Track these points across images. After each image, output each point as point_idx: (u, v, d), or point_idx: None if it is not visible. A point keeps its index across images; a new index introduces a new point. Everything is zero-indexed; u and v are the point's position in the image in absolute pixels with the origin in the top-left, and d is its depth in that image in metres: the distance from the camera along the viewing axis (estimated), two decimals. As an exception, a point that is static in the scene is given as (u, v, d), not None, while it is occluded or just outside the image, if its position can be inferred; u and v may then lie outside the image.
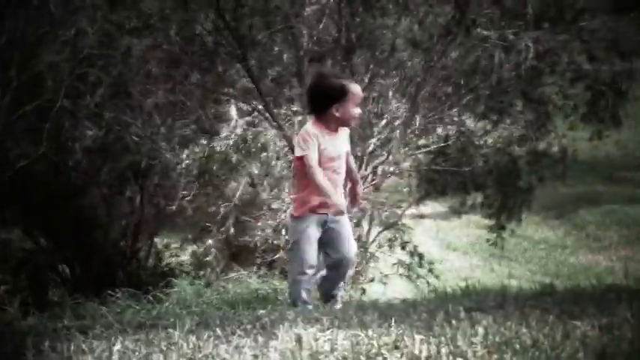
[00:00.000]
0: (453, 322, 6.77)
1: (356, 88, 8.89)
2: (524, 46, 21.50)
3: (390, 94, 22.19)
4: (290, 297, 9.54)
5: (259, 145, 22.96)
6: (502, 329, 6.40)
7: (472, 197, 26.75)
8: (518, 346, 5.93)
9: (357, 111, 8.85)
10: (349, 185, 9.45)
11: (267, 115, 21.07)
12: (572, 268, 26.64)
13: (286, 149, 22.06)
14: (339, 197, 8.26)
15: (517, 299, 8.03)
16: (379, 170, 22.66)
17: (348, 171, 9.33)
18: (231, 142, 22.79)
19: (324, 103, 8.98)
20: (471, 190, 26.62)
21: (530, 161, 24.72)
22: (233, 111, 21.83)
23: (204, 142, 23.23)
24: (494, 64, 21.47)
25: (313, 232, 8.74)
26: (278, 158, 22.66)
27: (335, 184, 8.62)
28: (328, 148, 8.59)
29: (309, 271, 8.98)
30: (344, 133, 9.09)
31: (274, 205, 22.81)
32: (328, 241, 8.96)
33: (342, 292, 9.06)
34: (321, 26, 21.35)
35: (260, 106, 21.19)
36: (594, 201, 34.18)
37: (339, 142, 8.85)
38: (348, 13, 20.46)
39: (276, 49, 21.57)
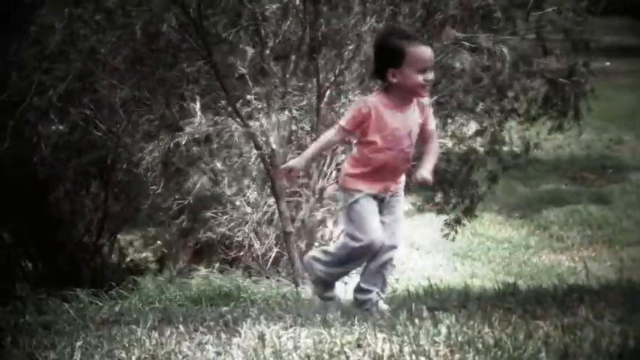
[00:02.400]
0: (416, 320, 6.79)
1: (418, 50, 7.52)
2: (500, 51, 21.78)
3: (354, 90, 22.18)
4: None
5: (222, 141, 22.90)
6: (465, 328, 6.41)
7: (435, 195, 26.79)
8: (480, 345, 5.95)
9: (420, 78, 7.42)
10: (421, 167, 7.76)
11: (232, 111, 21.04)
12: (534, 268, 26.70)
13: (251, 145, 22.06)
14: (298, 158, 7.71)
15: (480, 299, 8.06)
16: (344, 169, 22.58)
17: (429, 150, 8.02)
18: (193, 137, 22.78)
19: (379, 66, 7.86)
20: (435, 187, 26.71)
21: (490, 151, 24.80)
22: (197, 107, 21.74)
23: (167, 137, 23.21)
24: (466, 67, 21.67)
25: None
26: (241, 155, 22.65)
27: (398, 164, 7.70)
28: (394, 124, 7.52)
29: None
30: (417, 107, 7.77)
31: (237, 202, 22.84)
32: None
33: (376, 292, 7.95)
34: (287, 24, 21.37)
35: (224, 103, 21.16)
36: (558, 201, 34.24)
37: (410, 118, 7.67)
38: (313, 11, 20.44)
39: (241, 46, 21.54)
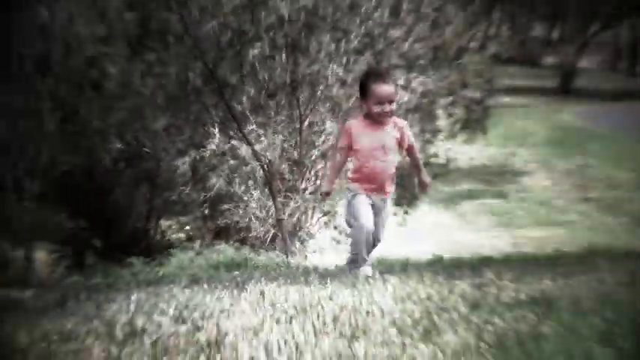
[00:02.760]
0: (371, 281, 6.82)
1: (378, 87, 7.49)
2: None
3: (327, 121, 22.27)
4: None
5: (234, 155, 23.07)
6: (405, 286, 6.44)
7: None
8: (416, 297, 5.98)
9: (377, 108, 7.47)
10: (415, 176, 8.24)
11: (240, 135, 21.17)
12: (456, 244, 26.59)
13: (254, 159, 22.33)
14: (326, 182, 7.83)
15: (416, 266, 8.07)
16: (320, 174, 22.69)
17: (413, 162, 8.12)
18: (213, 152, 23.04)
19: (359, 96, 7.90)
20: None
21: (425, 163, 25.17)
22: (216, 130, 21.94)
23: (194, 153, 23.50)
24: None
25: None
26: (246, 165, 22.75)
27: (379, 171, 7.57)
28: (368, 139, 7.50)
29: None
30: (392, 127, 7.69)
31: (245, 198, 22.94)
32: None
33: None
34: (277, 72, 21.46)
35: (235, 128, 21.33)
36: (471, 197, 34.15)
37: (384, 135, 7.56)
38: (293, 62, 20.76)
39: (245, 89, 21.72)
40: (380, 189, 7.64)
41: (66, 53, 23.64)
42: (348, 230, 8.07)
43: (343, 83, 21.60)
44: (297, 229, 23.04)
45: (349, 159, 7.73)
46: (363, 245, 7.80)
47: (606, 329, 4.90)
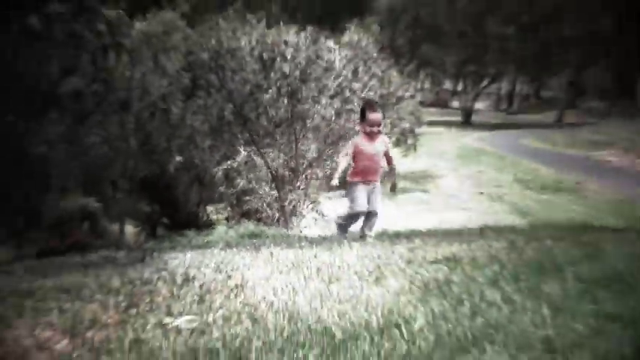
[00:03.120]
0: (342, 245, 6.77)
1: (370, 114, 7.64)
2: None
3: (313, 142, 22.31)
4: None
5: (253, 163, 23.24)
6: (363, 249, 6.41)
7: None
8: (370, 256, 5.96)
9: (369, 129, 7.55)
10: (388, 178, 8.49)
11: (257, 151, 21.39)
12: (395, 223, 26.45)
13: (266, 168, 22.49)
14: (335, 178, 7.84)
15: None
16: (308, 176, 22.70)
17: (389, 167, 8.11)
18: (237, 163, 23.30)
19: (359, 120, 7.97)
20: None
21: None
22: (242, 149, 22.17)
23: (227, 163, 23.74)
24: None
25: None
26: (260, 171, 22.94)
27: (369, 169, 7.64)
28: (365, 149, 7.57)
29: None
30: (381, 141, 7.82)
31: (260, 192, 23.03)
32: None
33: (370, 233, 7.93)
34: (281, 110, 21.57)
35: (254, 148, 21.51)
36: (405, 191, 33.99)
37: (376, 145, 7.65)
38: (291, 104, 20.95)
39: (260, 121, 21.96)
40: (372, 179, 7.69)
41: (141, 97, 23.86)
42: (347, 208, 7.96)
43: (323, 118, 21.73)
44: (294, 212, 23.10)
45: (351, 164, 7.75)
46: (353, 219, 7.96)
47: (494, 277, 4.89)
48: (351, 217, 7.96)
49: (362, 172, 7.73)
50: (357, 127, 8.26)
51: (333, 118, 21.74)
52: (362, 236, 7.88)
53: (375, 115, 7.69)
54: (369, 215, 7.88)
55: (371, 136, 7.68)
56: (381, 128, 7.83)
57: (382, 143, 7.89)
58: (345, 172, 8.01)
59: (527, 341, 3.52)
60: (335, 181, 7.84)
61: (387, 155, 7.91)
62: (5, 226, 22.06)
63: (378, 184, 7.94)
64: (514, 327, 3.74)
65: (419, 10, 71.63)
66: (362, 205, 7.70)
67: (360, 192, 7.72)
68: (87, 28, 23.16)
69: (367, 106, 7.92)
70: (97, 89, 23.02)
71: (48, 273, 5.97)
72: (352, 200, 7.78)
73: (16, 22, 20.16)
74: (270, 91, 21.49)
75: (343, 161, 7.88)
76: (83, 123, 22.81)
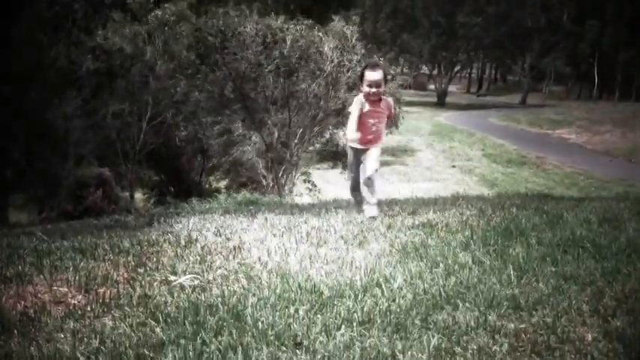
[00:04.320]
0: (330, 212, 6.77)
1: (367, 73, 6.46)
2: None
3: (304, 120, 22.40)
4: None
5: (250, 137, 23.36)
6: (349, 215, 6.40)
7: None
8: (355, 222, 5.95)
9: (366, 89, 6.35)
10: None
11: (253, 126, 21.53)
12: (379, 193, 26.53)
13: (261, 141, 22.62)
14: (352, 133, 6.36)
15: (349, 203, 7.97)
16: (300, 150, 22.76)
17: (390, 118, 6.75)
18: (236, 136, 23.44)
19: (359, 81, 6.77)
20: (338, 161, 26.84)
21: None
22: (239, 124, 22.26)
23: (227, 135, 23.89)
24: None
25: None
26: (256, 144, 23.02)
27: (367, 133, 6.38)
28: (368, 111, 6.32)
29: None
30: (384, 106, 6.57)
31: (256, 164, 23.16)
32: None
33: (365, 201, 6.58)
34: (278, 89, 21.63)
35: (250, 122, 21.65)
36: (387, 164, 34.13)
37: (379, 108, 6.41)
38: (287, 83, 21.14)
39: (259, 100, 22.08)
40: (373, 141, 6.47)
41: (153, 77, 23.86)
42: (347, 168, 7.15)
43: (315, 96, 21.77)
44: (286, 182, 23.15)
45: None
46: (353, 189, 6.77)
47: (465, 241, 4.88)
48: (351, 187, 6.92)
49: (364, 134, 6.53)
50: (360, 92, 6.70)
51: (322, 99, 21.80)
52: (358, 202, 6.90)
53: (373, 74, 6.46)
54: (361, 178, 6.67)
55: (373, 100, 6.46)
56: (381, 90, 6.52)
57: (385, 107, 6.68)
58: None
59: (495, 299, 3.52)
60: (353, 136, 6.48)
61: (389, 117, 6.80)
62: (27, 192, 22.03)
63: (378, 146, 6.72)
64: (483, 286, 3.73)
65: (398, 3, 71.57)
66: (353, 172, 6.74)
67: (354, 158, 6.70)
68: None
69: (367, 65, 6.78)
70: (110, 68, 22.97)
71: (65, 235, 5.94)
72: (349, 166, 6.93)
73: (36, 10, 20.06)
74: (269, 68, 21.59)
75: (352, 120, 6.56)
76: (97, 97, 22.76)
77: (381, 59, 28.68)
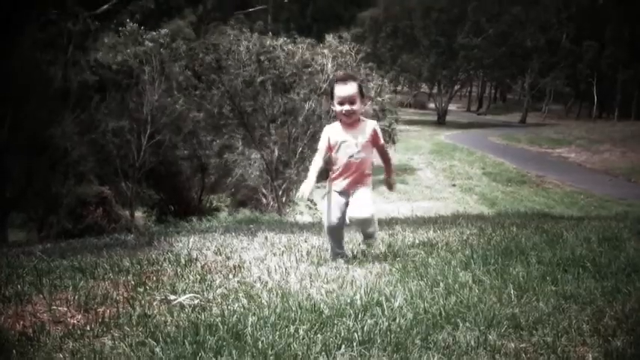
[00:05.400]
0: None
1: (337, 88, 5.19)
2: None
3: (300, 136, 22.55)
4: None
5: (250, 156, 23.49)
6: (348, 234, 6.40)
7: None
8: (355, 241, 5.94)
9: (338, 108, 5.13)
10: (385, 174, 5.65)
11: (253, 144, 21.68)
12: (377, 210, 26.42)
13: (261, 160, 22.73)
14: (305, 185, 5.06)
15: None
16: (300, 168, 22.83)
17: (385, 161, 5.55)
18: (236, 154, 23.55)
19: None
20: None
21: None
22: (239, 142, 22.36)
23: (228, 154, 23.96)
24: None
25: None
26: (256, 162, 23.16)
27: (349, 167, 5.09)
28: (341, 139, 5.10)
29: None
30: (362, 129, 5.21)
31: (256, 182, 23.21)
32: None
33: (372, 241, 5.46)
34: (275, 107, 21.75)
35: (250, 140, 21.80)
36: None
37: (356, 136, 5.12)
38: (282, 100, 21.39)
39: (258, 118, 22.26)
40: (355, 182, 5.17)
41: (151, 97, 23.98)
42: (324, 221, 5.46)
43: (313, 112, 21.90)
44: (287, 200, 23.18)
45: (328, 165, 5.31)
46: (331, 237, 5.32)
47: (466, 260, 4.88)
48: (327, 232, 5.43)
49: (342, 172, 5.24)
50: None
51: (322, 117, 21.86)
52: (366, 247, 5.62)
53: (344, 89, 5.17)
54: (360, 225, 5.35)
55: (347, 122, 5.20)
56: (356, 107, 5.15)
57: (365, 132, 5.24)
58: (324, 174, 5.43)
59: (495, 318, 3.51)
60: (302, 194, 5.11)
61: (378, 147, 5.37)
62: (27, 211, 22.01)
63: (367, 187, 5.34)
64: (484, 305, 3.72)
65: (398, 22, 71.90)
66: (333, 218, 5.25)
67: (335, 203, 5.29)
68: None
69: (337, 79, 5.41)
70: (107, 86, 23.11)
71: (65, 254, 5.94)
72: (326, 212, 5.37)
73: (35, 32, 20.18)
74: (266, 86, 21.78)
75: (315, 163, 5.24)
76: (95, 116, 22.82)
77: (381, 78, 28.76)
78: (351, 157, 5.17)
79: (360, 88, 5.25)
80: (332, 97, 5.25)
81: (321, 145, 5.23)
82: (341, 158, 5.19)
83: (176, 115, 24.05)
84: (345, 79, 5.25)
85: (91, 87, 22.87)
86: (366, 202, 5.21)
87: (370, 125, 5.28)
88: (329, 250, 5.46)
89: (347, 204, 5.22)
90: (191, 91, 24.10)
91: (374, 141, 5.24)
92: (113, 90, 23.61)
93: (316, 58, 22.53)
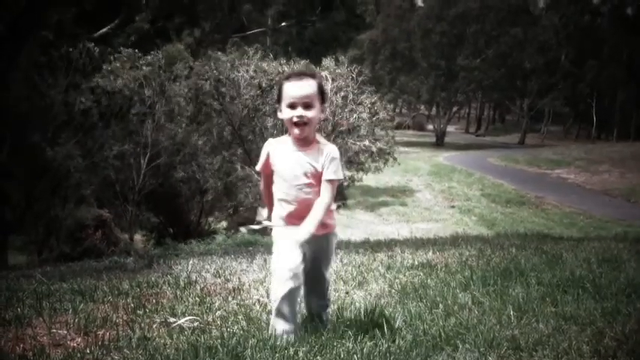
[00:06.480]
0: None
1: (288, 84, 3.71)
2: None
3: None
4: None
5: (249, 179, 23.53)
6: (347, 256, 6.39)
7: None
8: (354, 262, 5.94)
9: (288, 114, 3.67)
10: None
11: (253, 168, 21.74)
12: (376, 232, 26.39)
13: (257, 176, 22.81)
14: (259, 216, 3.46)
15: (354, 245, 7.97)
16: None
17: (317, 203, 3.66)
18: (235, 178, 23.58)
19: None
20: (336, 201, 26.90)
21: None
22: (238, 166, 22.40)
23: (226, 178, 23.99)
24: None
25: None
26: (256, 186, 23.25)
27: (302, 203, 3.66)
28: (283, 162, 3.72)
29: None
30: (316, 152, 3.69)
31: (255, 205, 23.23)
32: None
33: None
34: (275, 132, 21.83)
35: (249, 164, 21.77)
36: (386, 204, 34.05)
37: (309, 159, 3.67)
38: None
39: (258, 143, 22.38)
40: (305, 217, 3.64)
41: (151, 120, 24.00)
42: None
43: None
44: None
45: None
46: (285, 299, 3.54)
47: (465, 282, 4.88)
48: (274, 293, 3.62)
49: (288, 210, 3.74)
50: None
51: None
52: (321, 324, 3.85)
53: (298, 87, 3.69)
54: (313, 285, 3.87)
55: (299, 136, 3.68)
56: (312, 115, 3.66)
57: (317, 157, 3.70)
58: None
59: (495, 340, 3.51)
60: (259, 221, 3.69)
61: (323, 179, 3.68)
62: (27, 234, 21.99)
63: (330, 236, 3.88)
64: (483, 327, 3.73)
65: (396, 44, 72.19)
66: (288, 265, 3.61)
67: (285, 244, 3.67)
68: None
69: (289, 75, 3.83)
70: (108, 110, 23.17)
71: (64, 277, 5.95)
72: (274, 263, 3.73)
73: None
74: (266, 111, 21.79)
75: (264, 192, 4.05)
76: (93, 136, 22.87)
77: (378, 97, 28.87)
78: (299, 189, 3.69)
79: (321, 89, 3.78)
80: (278, 100, 3.78)
81: (259, 167, 3.90)
82: (282, 189, 3.77)
83: (178, 140, 24.12)
84: (300, 75, 3.78)
85: (92, 111, 22.91)
86: (328, 256, 3.94)
87: (328, 152, 3.71)
88: (271, 325, 3.66)
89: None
90: (192, 117, 24.22)
91: (321, 174, 3.68)
92: (113, 115, 23.65)
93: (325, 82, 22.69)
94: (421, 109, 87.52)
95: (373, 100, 26.28)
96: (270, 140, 3.89)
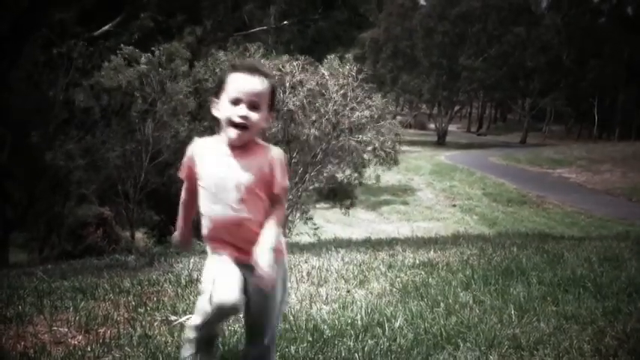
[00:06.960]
0: (330, 251, 6.74)
1: (235, 76, 2.91)
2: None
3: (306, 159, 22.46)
4: None
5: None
6: (349, 255, 6.38)
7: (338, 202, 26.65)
8: (355, 261, 5.93)
9: (229, 111, 2.86)
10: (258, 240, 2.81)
11: None
12: (378, 231, 26.36)
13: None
14: (177, 232, 3.45)
15: (355, 243, 7.96)
16: (300, 190, 22.74)
17: (270, 219, 2.87)
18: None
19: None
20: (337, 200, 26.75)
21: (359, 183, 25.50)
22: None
23: None
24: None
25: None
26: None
27: (230, 223, 2.87)
28: (217, 170, 2.89)
29: None
30: (260, 158, 2.87)
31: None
32: None
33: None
34: (279, 133, 21.79)
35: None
36: (387, 203, 34.06)
37: (248, 167, 2.84)
38: (286, 126, 21.28)
39: None
40: (241, 252, 2.90)
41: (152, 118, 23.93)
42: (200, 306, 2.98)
43: (315, 138, 21.90)
44: (287, 221, 23.12)
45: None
46: (208, 325, 2.91)
47: (467, 281, 4.88)
48: (202, 317, 2.92)
49: (214, 231, 3.03)
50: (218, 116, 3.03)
51: (323, 140, 21.87)
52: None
53: (246, 80, 2.92)
54: (251, 332, 3.04)
55: (236, 141, 2.90)
56: (256, 117, 2.90)
57: (259, 163, 2.91)
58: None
59: (496, 339, 3.51)
60: (175, 239, 3.48)
61: (272, 196, 2.92)
62: (28, 232, 22.03)
63: (268, 271, 2.79)
64: (484, 326, 3.72)
65: (398, 43, 72.15)
66: (226, 292, 2.81)
67: (222, 269, 2.93)
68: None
69: (235, 66, 3.03)
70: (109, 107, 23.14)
71: (65, 274, 5.94)
72: (203, 283, 3.07)
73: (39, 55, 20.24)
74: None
75: (182, 204, 3.39)
76: (94, 134, 22.85)
77: (379, 95, 28.81)
78: (227, 204, 2.92)
79: (273, 93, 3.04)
80: (217, 94, 3.01)
81: (182, 173, 3.15)
82: (207, 203, 3.04)
83: (180, 138, 24.02)
84: (251, 70, 2.98)
85: (93, 109, 22.90)
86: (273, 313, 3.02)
87: (272, 156, 2.94)
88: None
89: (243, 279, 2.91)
90: (194, 114, 24.12)
91: (268, 185, 2.91)
92: (114, 113, 23.63)
93: (327, 81, 22.54)
94: (423, 108, 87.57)
95: (374, 101, 26.30)
96: (197, 140, 3.13)
